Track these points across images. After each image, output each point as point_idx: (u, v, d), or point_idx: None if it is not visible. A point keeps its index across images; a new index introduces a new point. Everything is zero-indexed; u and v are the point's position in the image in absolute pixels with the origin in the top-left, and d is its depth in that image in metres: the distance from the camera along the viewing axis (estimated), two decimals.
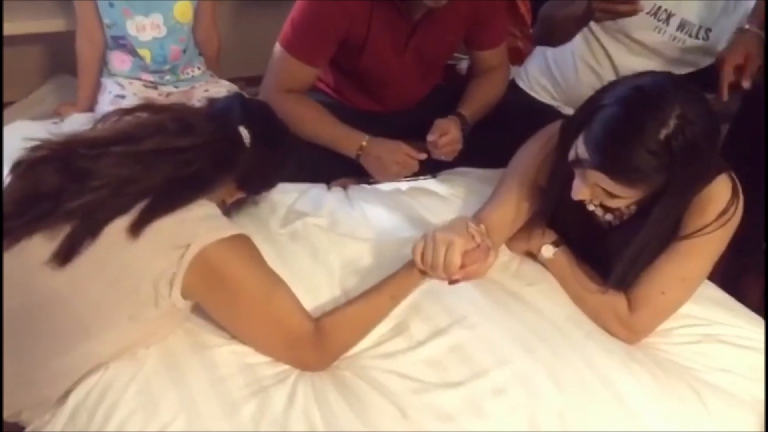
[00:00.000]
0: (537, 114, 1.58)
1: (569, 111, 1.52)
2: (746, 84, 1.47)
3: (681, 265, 1.16)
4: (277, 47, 1.57)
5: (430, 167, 1.62)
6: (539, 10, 1.71)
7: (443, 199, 1.49)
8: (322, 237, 1.33)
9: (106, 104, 1.74)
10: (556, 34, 1.69)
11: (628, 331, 1.20)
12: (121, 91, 1.78)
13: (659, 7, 1.67)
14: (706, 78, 1.54)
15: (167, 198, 1.03)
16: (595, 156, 1.04)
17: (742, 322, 1.26)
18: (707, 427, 1.08)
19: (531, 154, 1.29)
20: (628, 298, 1.20)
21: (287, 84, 1.58)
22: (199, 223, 1.03)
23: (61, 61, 2.04)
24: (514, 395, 1.06)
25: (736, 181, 1.17)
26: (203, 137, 1.10)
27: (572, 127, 1.12)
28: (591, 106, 1.09)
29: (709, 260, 1.19)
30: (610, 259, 1.19)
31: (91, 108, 1.81)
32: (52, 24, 1.93)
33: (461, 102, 1.69)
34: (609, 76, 1.71)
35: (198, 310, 1.11)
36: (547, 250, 1.30)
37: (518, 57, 2.13)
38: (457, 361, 1.10)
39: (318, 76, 1.70)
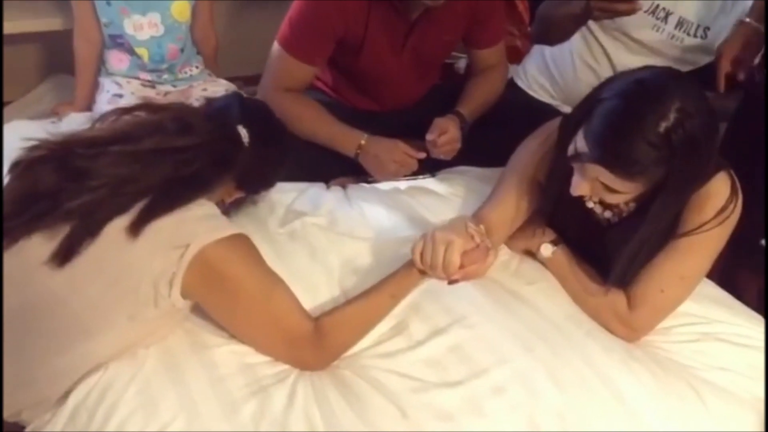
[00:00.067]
0: (535, 113, 1.58)
1: (568, 110, 1.52)
2: (741, 76, 1.48)
3: (680, 262, 1.17)
4: (275, 46, 1.57)
5: (429, 166, 1.62)
6: (537, 9, 1.71)
7: (442, 198, 1.49)
8: (320, 236, 1.33)
9: (103, 103, 1.74)
10: (554, 33, 1.69)
11: (628, 329, 1.20)
12: (118, 90, 1.77)
13: (657, 6, 1.67)
14: (704, 76, 1.54)
15: (166, 198, 1.03)
16: (595, 149, 1.04)
17: (741, 321, 1.26)
18: (706, 425, 1.08)
19: (530, 152, 1.29)
20: (628, 296, 1.20)
21: (285, 83, 1.58)
22: (198, 223, 1.03)
23: (59, 61, 2.03)
24: (513, 394, 1.06)
25: (735, 179, 1.17)
26: (202, 137, 1.09)
27: (571, 123, 1.12)
28: (590, 101, 1.09)
29: (708, 258, 1.19)
30: (610, 256, 1.20)
31: (88, 107, 1.81)
32: (50, 23, 1.93)
33: (460, 101, 1.69)
34: (607, 75, 1.69)
35: (197, 309, 1.11)
36: (546, 249, 1.30)
37: (516, 56, 2.13)
38: (457, 360, 1.10)
39: (316, 75, 1.69)
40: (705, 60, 1.72)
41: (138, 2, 1.74)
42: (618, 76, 1.11)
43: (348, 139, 1.57)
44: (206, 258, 1.01)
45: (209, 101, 1.25)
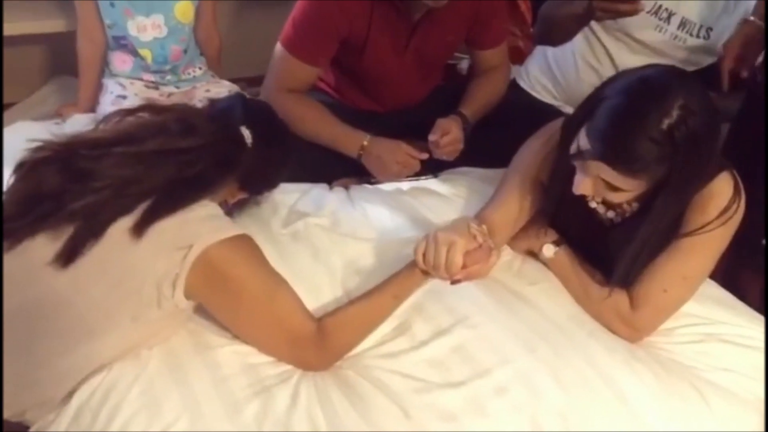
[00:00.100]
0: (538, 113, 1.58)
1: (570, 110, 1.52)
2: (744, 73, 1.48)
3: (683, 262, 1.17)
4: (278, 47, 1.58)
5: (432, 167, 1.62)
6: (540, 10, 1.71)
7: (445, 198, 1.49)
8: (323, 237, 1.33)
9: (107, 105, 1.74)
10: (556, 34, 1.69)
11: (631, 330, 1.20)
12: (122, 92, 1.78)
13: (660, 6, 1.67)
14: (707, 77, 1.54)
15: (170, 199, 1.03)
16: (597, 145, 1.04)
17: (744, 321, 1.26)
18: (710, 426, 1.08)
19: (532, 152, 1.29)
20: (630, 296, 1.20)
21: (288, 84, 1.58)
22: (201, 224, 1.03)
23: (63, 62, 2.04)
24: (516, 395, 1.06)
25: (738, 179, 1.17)
26: (205, 138, 1.10)
27: (574, 122, 1.12)
28: (593, 99, 1.10)
29: (711, 258, 1.19)
30: (613, 257, 1.19)
31: (92, 108, 1.81)
32: (53, 24, 1.93)
33: (462, 101, 1.69)
34: (610, 76, 1.71)
35: (200, 310, 1.11)
36: (549, 250, 1.30)
37: (519, 56, 2.13)
38: (460, 360, 1.10)
39: (319, 76, 1.70)
40: (708, 60, 1.72)
41: (141, 4, 1.74)
42: (621, 75, 1.11)
43: (351, 140, 1.57)
44: (209, 259, 1.01)
45: (212, 102, 1.25)
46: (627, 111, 1.03)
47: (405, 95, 1.76)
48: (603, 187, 1.09)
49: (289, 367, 1.08)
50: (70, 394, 1.01)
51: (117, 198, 1.01)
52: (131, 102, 1.69)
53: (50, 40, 2.03)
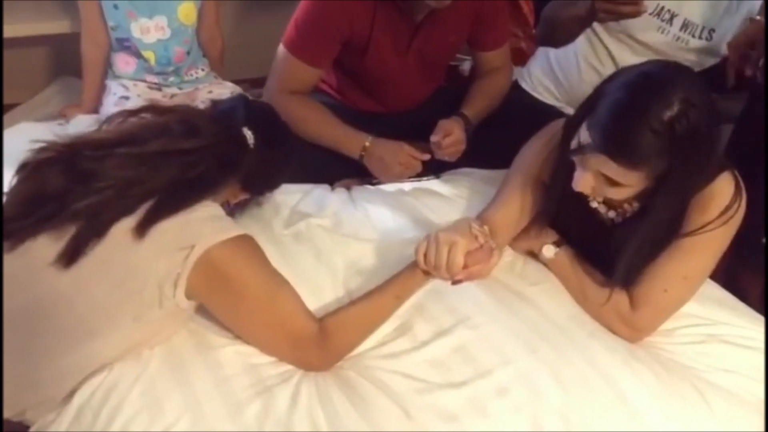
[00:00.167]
0: (540, 115, 1.57)
1: (572, 112, 1.52)
2: (749, 71, 1.48)
3: (683, 262, 1.16)
4: (281, 48, 1.58)
5: (434, 168, 1.62)
6: (542, 11, 1.71)
7: (447, 199, 1.49)
8: (325, 238, 1.33)
9: (110, 106, 1.75)
10: (559, 35, 1.69)
11: (631, 330, 1.20)
12: (125, 93, 1.78)
13: (662, 8, 1.67)
14: (710, 78, 1.54)
15: (172, 199, 1.03)
16: (598, 138, 1.04)
17: (745, 322, 1.26)
18: (710, 427, 1.08)
19: (534, 152, 1.29)
20: (630, 296, 1.19)
21: (290, 85, 1.59)
22: (203, 224, 1.04)
23: (66, 63, 2.05)
24: (517, 395, 1.06)
25: (739, 179, 1.17)
26: (208, 139, 1.10)
27: (575, 121, 1.12)
28: (594, 97, 1.09)
29: (712, 258, 1.19)
30: (613, 257, 1.19)
31: (95, 109, 1.82)
32: (57, 26, 1.94)
33: (464, 102, 1.69)
34: None
35: (202, 310, 1.11)
36: (549, 250, 1.30)
37: (521, 58, 2.13)
38: (461, 361, 1.11)
39: (321, 78, 1.70)
40: (710, 62, 1.72)
41: (145, 5, 1.75)
42: (621, 71, 1.11)
43: (352, 141, 1.57)
44: (211, 259, 1.01)
45: (215, 104, 1.26)
46: (628, 104, 1.03)
47: (407, 96, 1.76)
48: (603, 182, 1.08)
49: (290, 367, 1.09)
50: (71, 394, 1.01)
51: (120, 198, 1.01)
52: (134, 103, 1.70)
53: (54, 41, 2.04)
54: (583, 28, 1.64)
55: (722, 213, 1.13)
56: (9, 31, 1.83)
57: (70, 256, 0.98)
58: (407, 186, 1.55)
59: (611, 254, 1.20)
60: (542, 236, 1.31)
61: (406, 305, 1.18)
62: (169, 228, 1.01)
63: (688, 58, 1.71)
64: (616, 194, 1.11)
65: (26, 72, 2.05)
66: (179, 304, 1.03)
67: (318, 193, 1.49)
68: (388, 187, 1.55)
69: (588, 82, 1.78)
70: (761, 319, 1.28)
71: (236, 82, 1.97)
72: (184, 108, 1.22)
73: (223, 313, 1.08)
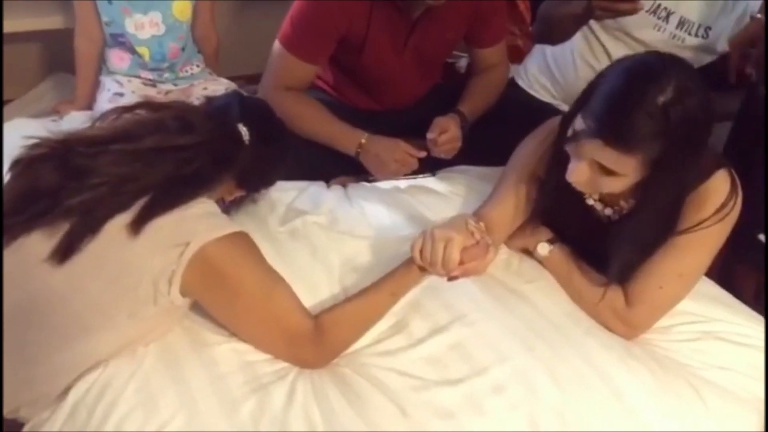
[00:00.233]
0: (536, 112, 1.57)
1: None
2: (749, 69, 1.48)
3: (678, 259, 1.16)
4: (277, 45, 1.57)
5: (430, 165, 1.62)
6: (539, 9, 1.71)
7: (443, 197, 1.49)
8: (321, 235, 1.33)
9: (104, 102, 1.74)
10: (555, 33, 1.69)
11: (626, 327, 1.20)
12: (119, 89, 1.78)
13: (659, 5, 1.67)
14: (706, 76, 1.54)
15: (167, 196, 1.03)
16: (593, 123, 1.04)
17: (741, 320, 1.26)
18: (705, 424, 1.08)
19: (530, 150, 1.29)
20: (626, 293, 1.19)
21: (286, 82, 1.58)
22: (198, 221, 1.03)
23: (60, 59, 2.03)
24: (513, 393, 1.06)
25: (735, 176, 1.17)
26: (203, 135, 1.09)
27: (571, 116, 1.12)
28: (588, 89, 1.10)
29: (707, 255, 1.19)
30: (609, 254, 1.19)
31: (89, 106, 1.81)
32: (51, 21, 1.93)
33: (461, 100, 1.69)
34: None
35: (197, 307, 1.11)
36: (543, 248, 1.30)
37: (518, 55, 2.13)
38: (457, 358, 1.10)
39: (317, 75, 1.69)
40: (706, 59, 1.72)
41: (139, 1, 1.74)
42: (616, 62, 1.11)
43: (349, 138, 1.57)
44: (206, 256, 1.01)
45: (209, 100, 1.25)
46: (623, 89, 1.03)
47: (403, 93, 1.76)
48: (598, 172, 1.07)
49: (285, 364, 1.08)
50: (66, 391, 1.01)
51: (114, 195, 1.01)
52: (128, 99, 1.69)
53: (48, 37, 2.02)
54: (580, 26, 1.64)
55: (718, 210, 1.13)
56: (3, 27, 1.81)
57: (64, 253, 0.98)
58: (403, 183, 1.55)
59: (608, 252, 1.20)
60: (537, 234, 1.31)
61: (402, 302, 1.17)
62: (164, 225, 1.01)
63: (684, 56, 1.70)
64: (611, 185, 1.10)
65: (19, 68, 2.04)
66: (174, 301, 1.02)
67: (314, 190, 1.49)
68: (384, 185, 1.55)
69: (584, 79, 1.75)
70: (757, 316, 1.28)
71: (231, 78, 1.96)
72: (178, 104, 1.21)
73: (218, 311, 1.08)
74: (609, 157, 1.04)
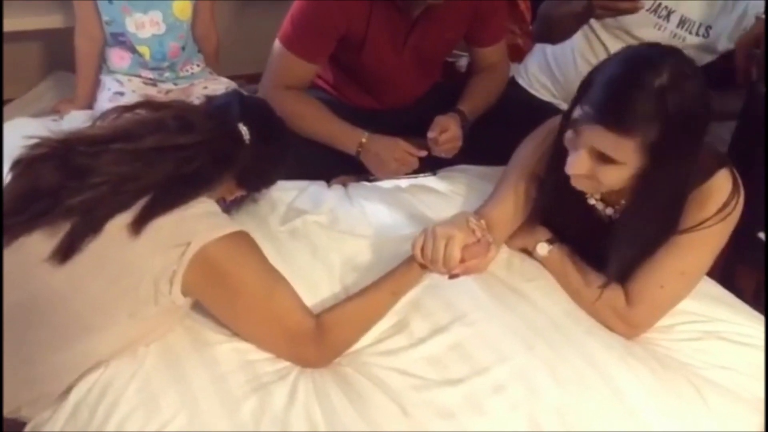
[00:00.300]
0: (536, 111, 1.58)
1: None
2: (753, 70, 1.49)
3: (680, 258, 1.16)
4: (277, 44, 1.57)
5: (430, 164, 1.61)
6: (539, 8, 1.71)
7: (443, 196, 1.49)
8: (321, 234, 1.33)
9: (105, 101, 1.74)
10: (556, 32, 1.69)
11: (627, 326, 1.20)
12: (120, 88, 1.78)
13: (659, 4, 1.67)
14: (706, 75, 1.54)
15: (168, 195, 1.03)
16: (591, 109, 1.05)
17: (743, 319, 1.26)
18: (707, 423, 1.08)
19: (531, 149, 1.29)
20: (626, 292, 1.19)
21: (286, 81, 1.58)
22: (199, 221, 1.03)
23: (60, 58, 2.03)
24: (513, 392, 1.06)
25: (737, 175, 1.17)
26: (203, 134, 1.09)
27: (570, 110, 1.12)
28: (586, 80, 1.10)
29: (709, 254, 1.19)
30: (609, 252, 1.19)
31: (90, 105, 1.81)
32: (51, 20, 1.93)
33: (461, 99, 1.69)
34: None
35: (198, 307, 1.11)
36: (542, 248, 1.30)
37: (518, 54, 2.13)
38: (458, 358, 1.10)
39: (317, 74, 1.69)
40: (707, 59, 1.72)
41: (140, 1, 1.74)
42: (615, 53, 1.12)
43: (349, 138, 1.57)
44: (207, 256, 1.01)
45: (209, 99, 1.25)
46: (621, 75, 1.04)
47: (403, 92, 1.76)
48: (597, 161, 1.07)
49: (287, 363, 1.08)
50: (68, 391, 1.01)
51: (114, 194, 1.01)
52: (129, 99, 1.69)
53: (48, 36, 2.02)
54: (580, 25, 1.64)
55: (720, 210, 1.13)
56: (3, 26, 1.81)
57: (65, 253, 0.98)
58: (404, 182, 1.55)
59: (607, 250, 1.20)
60: (536, 234, 1.31)
61: (403, 301, 1.17)
62: (165, 224, 1.01)
63: None
64: (610, 176, 1.09)
65: (20, 67, 2.04)
66: (175, 301, 1.02)
67: (314, 189, 1.49)
68: (385, 184, 1.55)
69: None
70: (758, 316, 1.28)
71: (232, 78, 1.96)
72: (179, 104, 1.21)
73: (219, 310, 1.08)
74: (607, 141, 1.04)
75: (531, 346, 1.13)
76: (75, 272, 0.98)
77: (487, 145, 1.52)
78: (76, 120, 1.63)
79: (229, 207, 1.23)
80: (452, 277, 1.11)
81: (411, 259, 1.14)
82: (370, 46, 1.58)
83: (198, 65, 1.91)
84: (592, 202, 1.25)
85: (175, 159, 1.06)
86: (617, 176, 1.09)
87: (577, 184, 1.13)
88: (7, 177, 1.05)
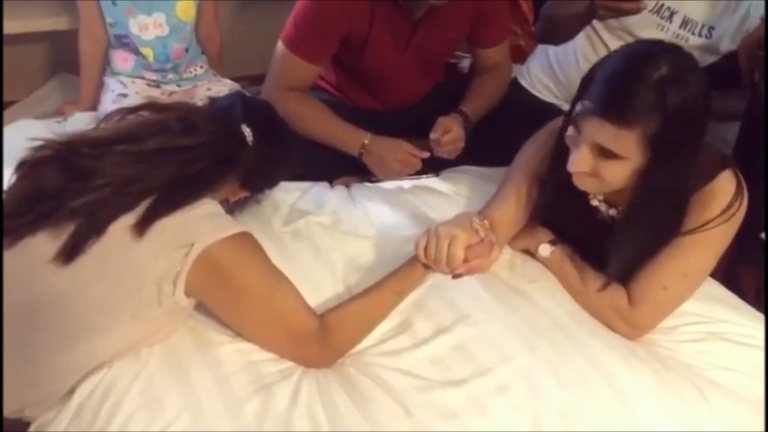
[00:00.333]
0: (539, 112, 1.58)
1: None
2: (757, 73, 1.48)
3: (683, 259, 1.16)
4: (280, 45, 1.58)
5: (433, 165, 1.62)
6: (541, 8, 1.71)
7: (446, 197, 1.49)
8: (324, 235, 1.33)
9: (108, 103, 1.74)
10: (558, 33, 1.69)
11: (629, 326, 1.19)
12: (123, 90, 1.78)
13: (662, 5, 1.67)
14: (709, 76, 1.54)
15: (171, 197, 1.03)
16: (591, 103, 1.05)
17: (746, 320, 1.26)
18: (709, 424, 1.08)
19: (534, 150, 1.29)
20: (629, 293, 1.19)
21: (289, 82, 1.58)
22: (202, 222, 1.03)
23: (64, 60, 2.04)
24: (516, 393, 1.06)
25: (741, 177, 1.17)
26: (206, 136, 1.10)
27: (572, 109, 1.12)
28: (587, 77, 1.10)
29: (713, 255, 1.18)
30: (611, 252, 1.19)
31: (93, 107, 1.81)
32: (55, 22, 1.93)
33: (463, 100, 1.69)
34: None
35: (201, 307, 1.11)
36: (545, 249, 1.29)
37: (520, 55, 2.13)
38: (461, 359, 1.10)
39: (320, 75, 1.70)
40: (709, 59, 1.72)
41: (143, 2, 1.74)
42: (615, 50, 1.13)
43: (352, 139, 1.57)
44: (211, 257, 1.01)
45: (212, 101, 1.26)
46: (621, 69, 1.05)
47: (406, 93, 1.76)
48: (599, 157, 1.07)
49: (290, 364, 1.08)
50: (71, 391, 1.01)
51: (118, 196, 1.01)
52: (132, 100, 1.69)
53: (52, 38, 2.03)
54: (583, 26, 1.64)
55: (724, 211, 1.13)
56: (7, 28, 1.82)
57: (69, 254, 0.98)
58: (406, 183, 1.55)
59: (608, 249, 1.20)
60: (538, 235, 1.31)
61: (406, 302, 1.17)
62: (168, 226, 1.01)
63: None
64: (613, 172, 1.08)
65: (24, 69, 2.05)
66: (178, 302, 1.02)
67: (317, 190, 1.49)
68: (388, 185, 1.55)
69: None
70: (761, 317, 1.28)
71: (235, 79, 1.97)
72: (182, 105, 1.22)
73: (223, 311, 1.08)
74: (608, 134, 1.04)
75: (534, 347, 1.13)
76: (78, 274, 0.98)
77: (489, 146, 1.52)
78: (79, 122, 1.64)
79: (232, 208, 1.24)
80: (455, 277, 1.12)
81: (414, 259, 1.14)
82: (372, 46, 1.58)
83: (201, 67, 1.91)
84: (595, 203, 1.25)
85: (179, 160, 1.06)
86: (619, 172, 1.08)
87: (580, 182, 1.13)
88: (11, 179, 1.05)
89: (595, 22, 1.66)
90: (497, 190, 1.31)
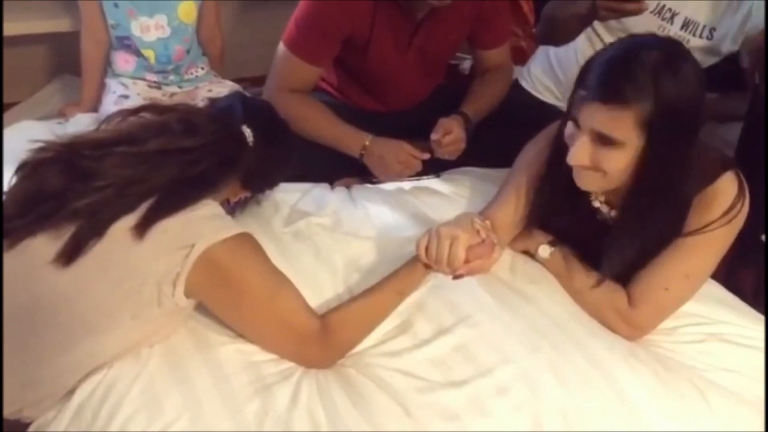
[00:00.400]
0: (540, 114, 1.58)
1: None
2: (757, 74, 1.48)
3: (684, 261, 1.16)
4: (281, 47, 1.58)
5: (434, 166, 1.62)
6: (542, 10, 1.71)
7: (447, 198, 1.49)
8: (325, 236, 1.33)
9: (110, 104, 1.75)
10: (559, 34, 1.69)
11: (629, 327, 1.19)
12: (125, 92, 1.78)
13: (663, 6, 1.67)
14: (710, 77, 1.54)
15: (172, 198, 1.03)
16: (587, 90, 1.06)
17: (746, 322, 1.26)
18: (710, 425, 1.08)
19: (535, 151, 1.29)
20: (630, 294, 1.19)
21: (290, 83, 1.59)
22: (203, 223, 1.04)
23: (66, 62, 2.05)
24: (517, 394, 1.06)
25: (743, 178, 1.17)
26: (207, 137, 1.10)
27: (570, 105, 1.13)
28: (583, 70, 1.11)
29: (714, 257, 1.18)
30: (609, 249, 1.19)
31: (95, 108, 1.82)
32: (57, 24, 1.94)
33: (464, 101, 1.69)
34: None
35: (201, 308, 1.11)
36: (544, 250, 1.30)
37: (521, 56, 2.13)
38: (462, 360, 1.10)
39: (321, 76, 1.70)
40: (711, 61, 1.72)
41: (145, 4, 1.75)
42: (611, 44, 1.15)
43: (352, 140, 1.57)
44: (212, 257, 1.01)
45: (212, 101, 1.26)
46: (615, 57, 1.07)
47: (407, 94, 1.76)
48: (597, 145, 1.07)
49: (290, 364, 1.09)
50: (71, 392, 1.01)
51: (119, 197, 1.01)
52: (134, 102, 1.69)
53: (53, 39, 2.03)
54: (584, 27, 1.64)
55: (725, 213, 1.13)
56: (8, 29, 1.82)
57: (70, 255, 0.98)
58: (407, 185, 1.55)
59: (606, 247, 1.20)
60: (538, 236, 1.31)
61: (407, 302, 1.17)
62: (169, 227, 1.01)
63: None
64: (611, 160, 1.08)
65: (26, 70, 2.05)
66: (178, 303, 1.03)
67: (318, 191, 1.49)
68: (388, 186, 1.55)
69: None
70: (761, 318, 1.28)
71: (236, 80, 1.97)
72: (183, 107, 1.22)
73: (223, 312, 1.08)
74: (604, 116, 1.05)
75: (534, 348, 1.13)
76: (79, 275, 0.98)
77: (490, 147, 1.52)
78: (81, 123, 1.64)
79: (233, 209, 1.24)
80: (456, 277, 1.12)
81: (415, 259, 1.14)
82: (374, 48, 1.58)
83: (203, 68, 1.92)
84: (596, 204, 1.25)
85: (180, 162, 1.06)
86: (618, 160, 1.08)
87: (580, 179, 1.13)
88: (12, 180, 1.06)
89: (596, 23, 1.66)
90: (498, 191, 1.31)
